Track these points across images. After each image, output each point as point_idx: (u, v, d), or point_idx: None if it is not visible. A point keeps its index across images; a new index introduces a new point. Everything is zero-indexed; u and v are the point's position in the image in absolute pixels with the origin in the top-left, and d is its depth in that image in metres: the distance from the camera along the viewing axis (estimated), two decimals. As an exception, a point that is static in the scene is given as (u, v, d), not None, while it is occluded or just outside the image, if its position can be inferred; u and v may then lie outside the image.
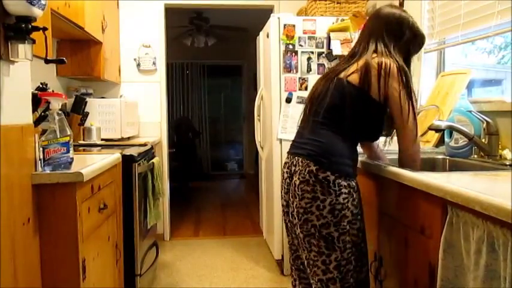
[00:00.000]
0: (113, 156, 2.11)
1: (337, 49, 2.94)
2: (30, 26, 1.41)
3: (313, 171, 1.52)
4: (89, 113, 3.02)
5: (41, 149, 1.57)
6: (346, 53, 2.82)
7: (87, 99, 3.01)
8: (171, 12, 4.14)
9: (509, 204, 0.96)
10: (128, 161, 2.37)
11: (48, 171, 1.57)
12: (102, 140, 3.07)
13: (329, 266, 1.53)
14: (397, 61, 1.57)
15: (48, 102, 1.71)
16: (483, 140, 1.92)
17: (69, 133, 1.66)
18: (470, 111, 1.99)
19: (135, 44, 3.90)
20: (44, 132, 1.62)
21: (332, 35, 2.97)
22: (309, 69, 3.01)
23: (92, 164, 1.77)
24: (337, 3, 3.24)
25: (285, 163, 1.69)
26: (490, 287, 1.05)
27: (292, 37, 2.98)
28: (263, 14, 3.54)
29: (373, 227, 1.79)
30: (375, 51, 1.61)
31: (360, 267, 1.58)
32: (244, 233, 4.24)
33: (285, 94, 3.01)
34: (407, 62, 1.67)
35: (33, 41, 1.44)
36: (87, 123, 3.01)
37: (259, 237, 3.95)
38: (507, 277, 0.98)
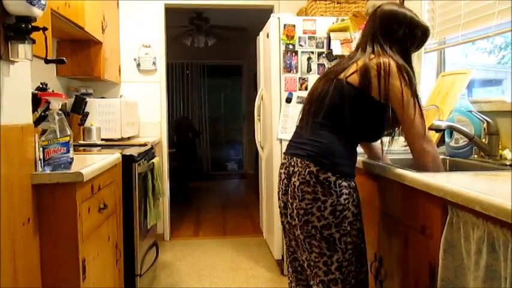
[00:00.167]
0: (113, 156, 2.11)
1: (337, 49, 2.94)
2: (30, 26, 1.41)
3: (313, 172, 1.50)
4: (89, 113, 3.02)
5: (41, 149, 1.57)
6: (346, 53, 2.83)
7: (87, 99, 3.01)
8: (171, 12, 4.14)
9: (509, 204, 0.96)
10: (127, 161, 2.37)
11: (48, 171, 1.57)
12: (102, 140, 3.07)
13: (331, 267, 1.52)
14: (395, 60, 1.54)
15: (48, 102, 1.71)
16: (483, 140, 1.92)
17: (69, 133, 1.66)
18: (470, 111, 1.99)
19: (135, 44, 3.90)
20: (44, 132, 1.62)
21: (332, 35, 2.98)
22: (309, 69, 3.00)
23: (92, 164, 1.77)
24: (337, 3, 3.24)
25: (282, 164, 1.67)
26: (490, 287, 1.05)
27: (292, 37, 2.98)
28: (263, 14, 3.54)
29: (374, 227, 1.79)
30: (372, 52, 1.59)
31: (359, 267, 1.57)
32: (244, 233, 4.24)
33: (285, 94, 3.01)
34: (408, 59, 1.62)
35: (33, 41, 1.44)
36: (87, 123, 3.01)
37: (259, 237, 3.95)
38: (507, 277, 0.98)
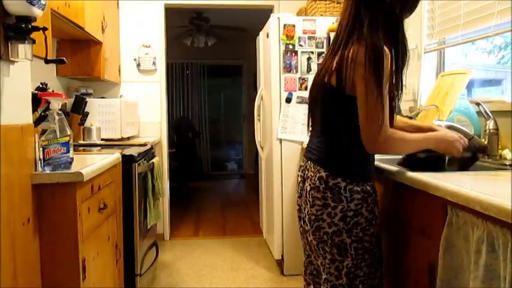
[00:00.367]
0: (113, 156, 2.11)
1: (337, 49, 2.94)
2: (30, 26, 1.42)
3: (323, 178, 1.47)
4: (89, 113, 3.02)
5: (41, 149, 1.57)
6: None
7: (87, 99, 3.01)
8: (171, 12, 4.14)
9: (509, 204, 0.96)
10: (127, 161, 2.37)
11: (48, 171, 1.57)
12: (102, 140, 3.07)
13: (341, 272, 1.49)
14: (368, 42, 1.33)
15: (48, 102, 1.71)
16: (483, 140, 1.92)
17: (69, 133, 1.67)
18: (478, 104, 1.96)
19: (135, 44, 3.90)
20: (44, 132, 1.62)
21: (332, 35, 2.96)
22: (309, 69, 3.01)
23: (92, 164, 1.77)
24: (337, 3, 3.24)
25: (300, 166, 1.64)
26: (489, 287, 1.05)
27: (292, 37, 2.98)
28: (263, 14, 3.54)
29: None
30: (350, 37, 1.41)
31: (373, 273, 1.53)
32: (244, 233, 4.24)
33: (285, 94, 3.01)
34: (398, 28, 1.43)
35: (33, 41, 1.44)
36: (87, 123, 3.01)
37: (259, 237, 3.95)
38: (507, 277, 0.98)
